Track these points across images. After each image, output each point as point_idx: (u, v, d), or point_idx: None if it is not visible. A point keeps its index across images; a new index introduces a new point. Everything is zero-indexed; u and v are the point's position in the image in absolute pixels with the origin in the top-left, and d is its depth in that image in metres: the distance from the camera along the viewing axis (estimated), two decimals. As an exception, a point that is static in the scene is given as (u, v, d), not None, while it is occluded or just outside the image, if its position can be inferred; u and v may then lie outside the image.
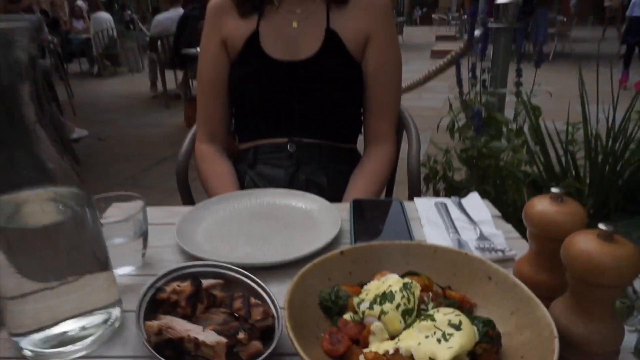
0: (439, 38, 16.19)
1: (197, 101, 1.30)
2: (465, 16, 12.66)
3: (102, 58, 9.40)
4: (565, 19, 11.27)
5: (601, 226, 0.50)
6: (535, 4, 10.08)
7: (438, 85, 4.35)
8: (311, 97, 1.20)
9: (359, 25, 1.20)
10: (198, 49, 4.44)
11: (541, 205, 0.60)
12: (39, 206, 0.55)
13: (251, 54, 1.21)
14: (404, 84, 3.76)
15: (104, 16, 9.00)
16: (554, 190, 0.60)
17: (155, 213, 0.94)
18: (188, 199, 1.35)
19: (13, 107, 0.50)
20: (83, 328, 0.57)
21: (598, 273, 0.49)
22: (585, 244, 0.50)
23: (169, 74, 6.75)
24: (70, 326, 0.56)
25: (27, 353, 0.55)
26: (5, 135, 0.50)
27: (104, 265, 0.60)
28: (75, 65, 10.46)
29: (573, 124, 1.10)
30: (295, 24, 1.21)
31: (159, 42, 6.01)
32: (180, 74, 6.43)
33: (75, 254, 0.55)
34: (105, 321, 0.59)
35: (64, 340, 0.56)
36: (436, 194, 1.39)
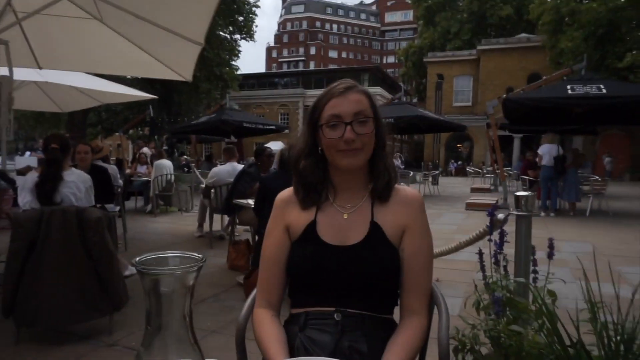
0: (474, 190, 16.77)
1: (259, 273, 1.57)
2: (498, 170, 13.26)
3: (157, 198, 10.26)
4: (599, 178, 11.62)
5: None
6: (567, 164, 10.57)
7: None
8: (356, 276, 1.44)
9: (397, 218, 1.49)
10: (249, 200, 4.91)
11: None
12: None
13: (309, 239, 1.50)
14: (441, 249, 3.99)
15: (166, 163, 10.09)
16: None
17: None
18: (242, 356, 1.54)
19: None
20: None
21: None
22: None
23: (216, 217, 7.27)
24: None
25: None
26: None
27: None
28: (131, 202, 11.40)
29: (587, 308, 1.24)
30: (345, 216, 1.51)
31: (212, 190, 6.65)
32: (226, 219, 6.94)
33: None
34: None
35: None
36: (465, 365, 1.52)
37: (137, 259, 0.72)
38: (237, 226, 6.50)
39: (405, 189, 1.58)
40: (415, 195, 1.57)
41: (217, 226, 7.53)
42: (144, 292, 0.72)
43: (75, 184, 3.70)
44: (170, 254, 0.76)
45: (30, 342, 3.41)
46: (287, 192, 1.62)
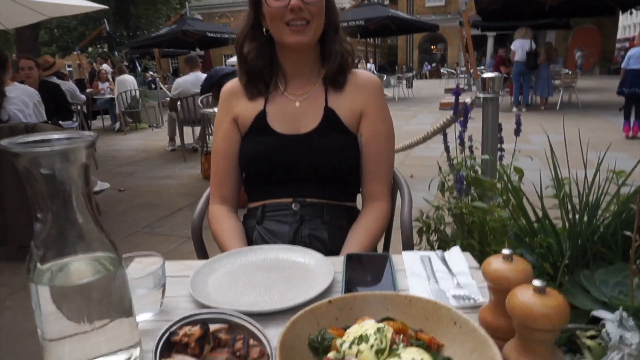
0: (447, 90, 16.63)
1: (211, 169, 1.46)
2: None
3: (124, 116, 9.87)
4: (569, 72, 11.58)
5: (535, 282, 0.61)
6: (539, 59, 10.43)
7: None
8: (312, 165, 1.35)
9: (353, 103, 1.37)
10: (215, 109, 4.71)
11: (495, 264, 0.71)
12: (82, 267, 0.68)
13: (259, 129, 1.38)
14: (410, 140, 3.94)
15: (128, 78, 9.56)
16: (504, 251, 0.71)
17: (172, 267, 1.06)
18: (202, 252, 1.48)
19: (68, 201, 0.64)
20: (110, 365, 0.68)
21: (532, 320, 0.60)
22: (523, 296, 0.61)
23: (187, 130, 7.07)
24: (99, 364, 0.67)
25: (64, 386, 0.66)
26: (60, 219, 0.64)
27: (129, 312, 0.72)
28: (98, 121, 10.98)
29: (552, 184, 1.20)
30: (297, 104, 1.38)
31: (178, 103, 6.36)
32: (197, 130, 6.74)
33: (106, 304, 0.68)
34: (128, 359, 0.70)
35: (94, 376, 0.67)
36: (430, 246, 1.49)
37: (6, 140, 0.58)
38: (209, 136, 6.34)
39: (362, 73, 1.45)
40: (372, 78, 1.44)
41: (189, 139, 7.35)
42: (24, 179, 0.60)
43: (21, 99, 3.44)
44: (55, 135, 0.63)
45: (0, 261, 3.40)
46: (233, 82, 1.47)
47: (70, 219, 0.65)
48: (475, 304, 0.87)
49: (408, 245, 1.38)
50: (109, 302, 0.68)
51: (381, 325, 0.69)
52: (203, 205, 1.49)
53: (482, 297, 0.88)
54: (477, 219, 1.25)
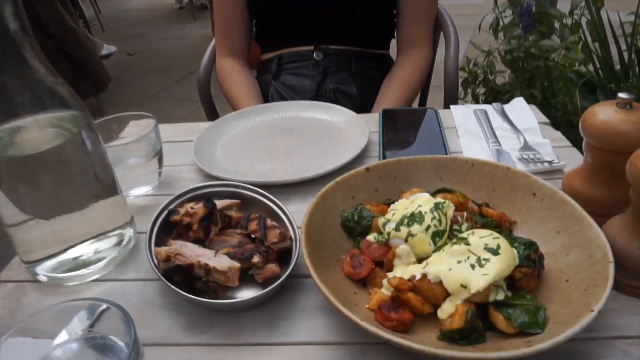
0: None
1: (215, 15, 1.20)
2: None
3: (126, -30, 9.03)
4: None
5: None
6: None
7: (482, -21, 3.94)
8: (337, 2, 1.08)
9: None
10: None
11: (604, 114, 0.51)
12: (36, 132, 0.50)
13: None
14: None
15: None
16: (621, 95, 0.50)
17: (173, 131, 0.90)
18: (212, 114, 1.30)
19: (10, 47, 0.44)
20: (96, 251, 0.55)
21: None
22: (658, 154, 0.42)
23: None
24: (82, 250, 0.54)
25: (42, 279, 0.54)
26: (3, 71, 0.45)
27: (111, 188, 0.56)
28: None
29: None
30: None
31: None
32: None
33: (76, 178, 0.51)
34: (119, 243, 0.57)
35: (78, 264, 0.54)
36: (475, 100, 1.27)
37: None
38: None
39: None
40: None
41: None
42: None
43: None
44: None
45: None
46: None
47: (10, 62, 0.45)
48: (550, 168, 0.68)
49: (452, 102, 1.17)
50: (79, 175, 0.52)
51: (439, 200, 0.52)
52: (208, 60, 1.27)
53: (558, 160, 0.70)
54: (542, 64, 1.01)
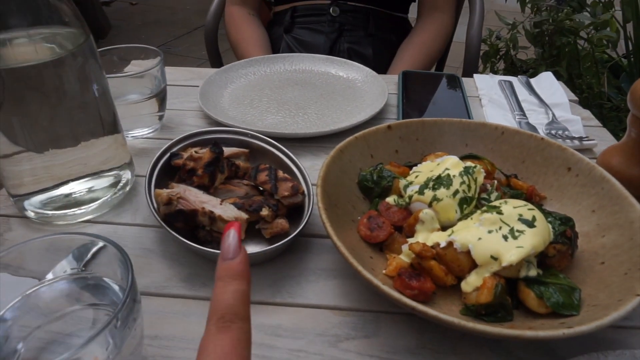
0: None
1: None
2: None
3: None
4: None
5: None
6: None
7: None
8: None
9: None
10: None
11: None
12: (28, 46, 0.45)
13: None
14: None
15: None
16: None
17: (178, 74, 0.84)
18: (218, 65, 1.24)
19: None
20: (90, 190, 0.50)
21: None
22: None
23: None
24: (75, 187, 0.49)
25: (30, 215, 0.49)
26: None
27: (111, 123, 0.51)
28: None
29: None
30: None
31: None
32: None
33: (72, 106, 0.46)
34: (115, 184, 0.52)
35: (70, 202, 0.49)
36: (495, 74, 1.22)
37: None
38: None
39: None
40: None
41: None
42: None
43: None
44: None
45: None
46: None
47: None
48: (580, 146, 0.64)
49: (471, 72, 1.11)
50: (76, 105, 0.47)
51: (470, 164, 0.47)
52: (218, 4, 1.19)
53: (590, 137, 0.65)
54: (571, 40, 0.95)
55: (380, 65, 1.08)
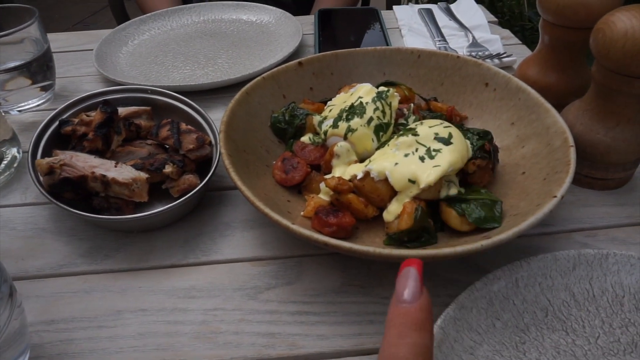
0: None
1: None
2: None
3: None
4: None
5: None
6: None
7: None
8: None
9: None
10: None
11: (564, -18, 0.44)
12: None
13: None
14: None
15: None
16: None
17: (74, 38, 0.76)
18: (123, 19, 1.14)
19: None
20: (-33, 173, 0.44)
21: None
22: (631, 21, 0.36)
23: None
24: (-54, 171, 0.43)
25: None
26: None
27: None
28: None
29: None
30: None
31: None
32: None
33: None
34: (-4, 163, 0.46)
35: (-58, 188, 0.43)
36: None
37: None
38: None
39: None
40: None
41: None
42: None
43: None
44: None
45: None
46: None
47: None
48: (501, 64, 0.63)
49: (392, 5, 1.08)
50: None
51: (382, 89, 0.44)
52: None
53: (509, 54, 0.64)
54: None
55: (301, 11, 1.02)
